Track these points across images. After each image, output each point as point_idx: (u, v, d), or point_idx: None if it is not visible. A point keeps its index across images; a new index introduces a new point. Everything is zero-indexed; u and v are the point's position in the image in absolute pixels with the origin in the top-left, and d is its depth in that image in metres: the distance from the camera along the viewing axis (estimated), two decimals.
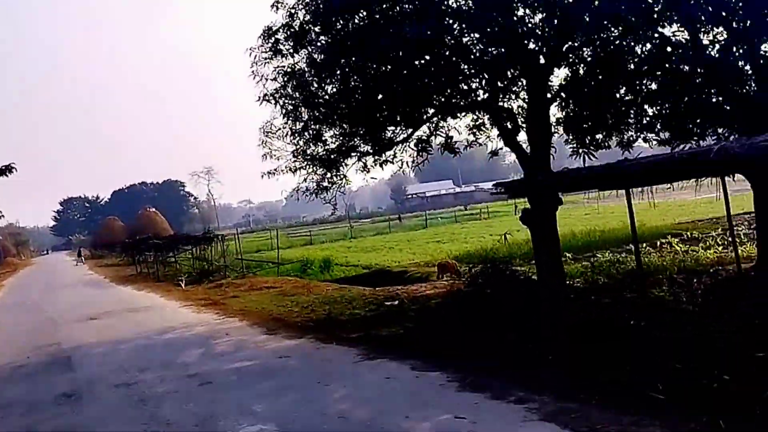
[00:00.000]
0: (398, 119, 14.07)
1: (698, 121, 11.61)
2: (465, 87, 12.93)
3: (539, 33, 11.32)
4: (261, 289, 19.39)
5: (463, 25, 11.57)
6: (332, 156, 15.88)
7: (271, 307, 14.89)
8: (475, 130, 14.77)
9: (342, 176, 16.18)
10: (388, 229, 55.32)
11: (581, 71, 12.08)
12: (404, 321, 10.88)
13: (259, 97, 15.01)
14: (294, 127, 15.28)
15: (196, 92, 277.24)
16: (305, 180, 16.35)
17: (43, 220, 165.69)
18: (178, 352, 10.49)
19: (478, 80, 12.93)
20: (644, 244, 18.06)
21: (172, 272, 29.62)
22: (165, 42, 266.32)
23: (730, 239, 13.29)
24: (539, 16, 11.31)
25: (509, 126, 13.37)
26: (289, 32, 13.69)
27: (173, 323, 13.67)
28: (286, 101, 15.27)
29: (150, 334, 12.53)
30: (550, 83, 12.51)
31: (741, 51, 10.79)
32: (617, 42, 11.23)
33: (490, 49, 11.76)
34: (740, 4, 10.42)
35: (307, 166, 16.23)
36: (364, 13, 12.42)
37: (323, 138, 15.58)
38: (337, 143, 15.45)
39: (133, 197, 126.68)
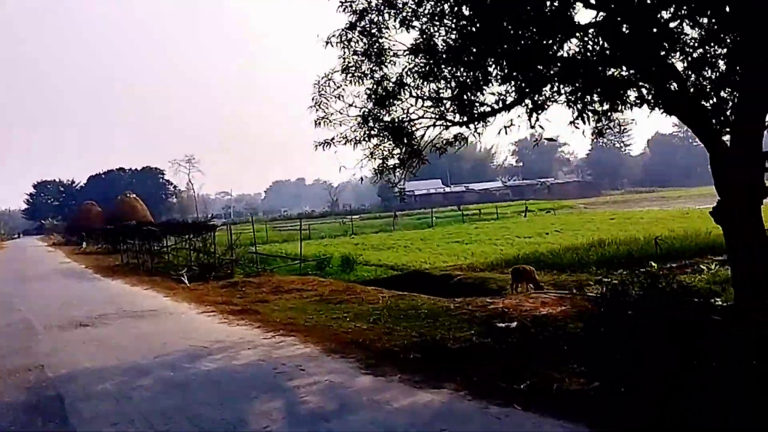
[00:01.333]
0: (515, 73, 10.50)
1: None
2: None
3: None
4: (290, 292, 15.71)
5: None
6: (407, 124, 12.28)
7: (326, 320, 11.22)
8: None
9: (417, 151, 12.60)
10: (391, 226, 51.63)
11: None
12: (561, 360, 7.32)
13: (327, 41, 11.62)
14: (367, 74, 11.79)
15: (177, 79, 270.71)
16: (371, 154, 12.80)
17: (15, 203, 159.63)
18: (237, 403, 6.69)
19: None
20: None
21: (163, 264, 25.71)
22: (143, 25, 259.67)
23: None
24: None
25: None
26: None
27: (201, 340, 9.87)
28: (358, 45, 11.74)
29: (175, 360, 8.70)
30: None
31: None
32: None
33: None
34: None
35: (375, 137, 12.63)
36: None
37: (398, 97, 12.00)
38: (420, 105, 11.90)
39: (110, 183, 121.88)
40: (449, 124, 11.99)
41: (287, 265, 25.06)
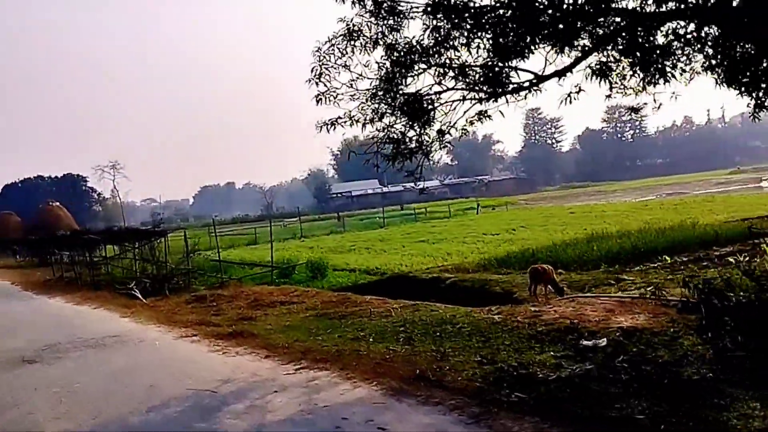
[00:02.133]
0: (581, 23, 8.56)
1: None
2: None
3: None
4: (274, 306, 13.37)
5: None
6: (427, 99, 10.21)
7: (343, 341, 8.98)
8: None
9: (441, 132, 10.52)
10: (341, 228, 49.25)
11: None
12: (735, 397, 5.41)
13: None
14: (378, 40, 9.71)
15: (99, 81, 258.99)
16: (385, 132, 10.63)
17: None
18: None
19: None
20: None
21: (104, 277, 22.71)
22: (58, 18, 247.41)
23: None
24: None
25: None
26: None
27: (201, 380, 7.44)
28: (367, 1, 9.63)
29: (179, 416, 6.13)
30: None
31: None
32: None
33: None
34: None
35: (388, 116, 10.49)
36: None
37: (416, 67, 9.92)
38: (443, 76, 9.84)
39: (27, 192, 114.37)
40: (483, 96, 9.93)
41: (248, 273, 22.49)
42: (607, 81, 10.01)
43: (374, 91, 10.05)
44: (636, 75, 9.70)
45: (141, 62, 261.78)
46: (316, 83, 10.07)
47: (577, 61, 9.10)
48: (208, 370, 7.97)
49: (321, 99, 10.06)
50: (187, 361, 8.59)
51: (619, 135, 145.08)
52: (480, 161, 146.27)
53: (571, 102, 9.55)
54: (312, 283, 20.15)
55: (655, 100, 10.91)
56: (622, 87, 10.45)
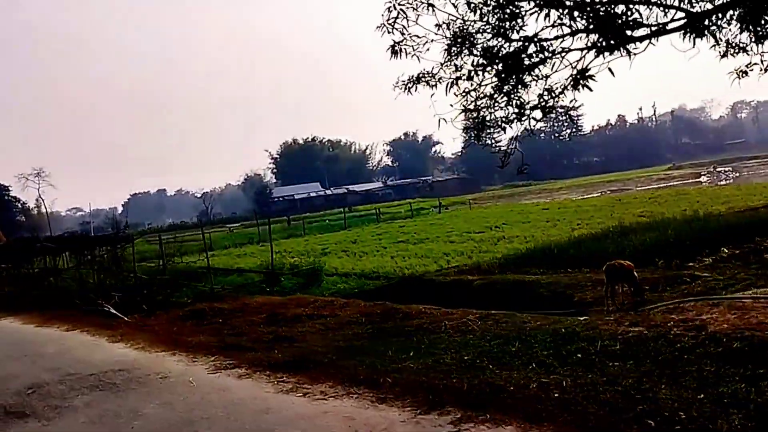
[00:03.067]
0: None
1: None
2: None
3: None
4: (301, 321, 10.99)
5: None
6: (530, 50, 8.06)
7: (463, 372, 6.70)
8: None
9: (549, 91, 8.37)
10: (303, 231, 46.33)
11: None
12: None
13: None
14: None
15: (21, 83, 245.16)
16: (475, 93, 8.46)
17: None
18: None
19: None
20: None
21: (52, 292, 19.48)
22: None
23: None
24: None
25: None
26: None
27: None
28: None
29: None
30: None
31: None
32: None
33: None
34: None
35: (479, 72, 8.30)
36: None
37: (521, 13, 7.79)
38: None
39: None
40: (599, 44, 7.79)
41: (225, 281, 19.76)
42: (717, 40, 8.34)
43: (460, 38, 7.87)
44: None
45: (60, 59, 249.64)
46: (389, 30, 7.80)
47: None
48: (313, 428, 5.56)
49: (398, 50, 7.81)
50: (261, 411, 6.07)
51: (556, 134, 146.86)
52: (420, 162, 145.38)
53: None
54: (308, 290, 17.73)
55: (762, 61, 9.22)
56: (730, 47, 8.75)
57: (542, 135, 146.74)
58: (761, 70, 9.21)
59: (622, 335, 7.24)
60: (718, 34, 8.69)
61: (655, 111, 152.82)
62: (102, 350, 9.98)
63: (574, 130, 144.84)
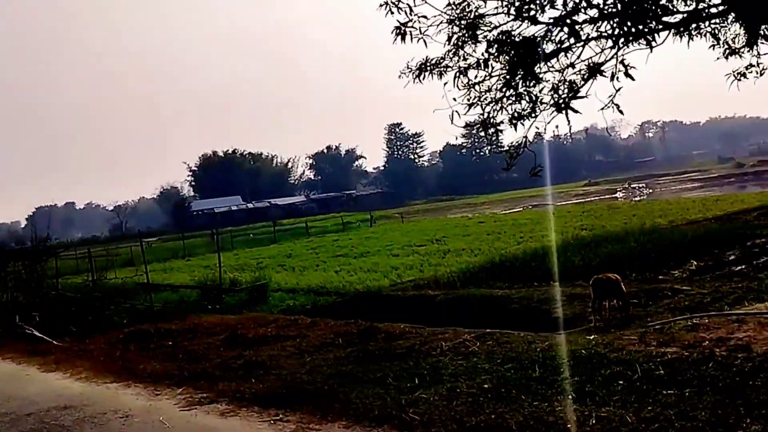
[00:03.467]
0: None
1: None
2: None
3: None
4: (267, 343, 9.81)
5: None
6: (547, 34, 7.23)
7: (487, 404, 5.79)
8: None
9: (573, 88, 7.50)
10: (229, 244, 44.31)
11: None
12: None
13: None
14: None
15: None
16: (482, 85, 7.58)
17: None
18: None
19: None
20: None
21: None
22: None
23: None
24: None
25: None
26: None
27: None
28: None
29: None
30: None
31: None
32: None
33: None
34: None
35: (493, 62, 7.41)
36: None
37: None
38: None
39: None
40: (619, 33, 6.98)
41: (160, 298, 18.11)
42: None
43: (471, 22, 6.99)
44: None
45: None
46: (393, 7, 6.80)
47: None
48: None
49: (402, 33, 6.85)
50: None
51: (477, 150, 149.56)
52: (343, 176, 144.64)
53: None
54: (255, 308, 16.42)
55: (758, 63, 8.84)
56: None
57: (464, 151, 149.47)
58: (758, 73, 8.86)
59: (660, 358, 6.53)
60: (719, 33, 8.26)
61: (570, 128, 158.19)
62: (36, 382, 8.49)
63: (493, 146, 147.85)
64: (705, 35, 8.11)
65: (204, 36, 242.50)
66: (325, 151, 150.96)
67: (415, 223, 50.87)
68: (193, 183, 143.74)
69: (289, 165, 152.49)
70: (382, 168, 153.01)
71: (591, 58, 7.06)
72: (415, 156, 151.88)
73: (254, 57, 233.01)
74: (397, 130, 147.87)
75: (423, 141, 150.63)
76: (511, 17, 6.79)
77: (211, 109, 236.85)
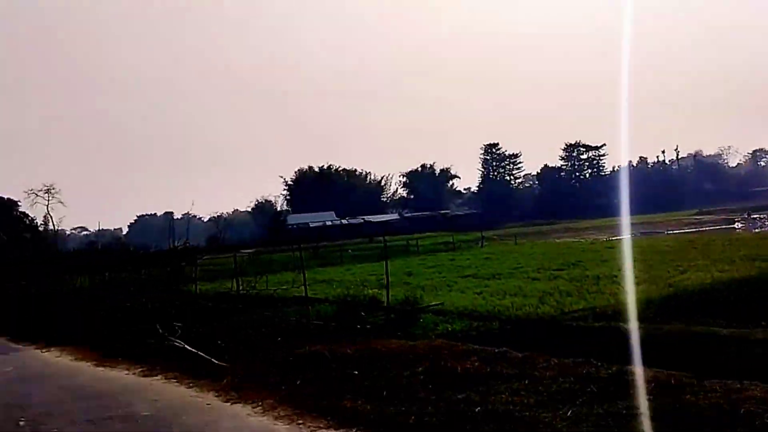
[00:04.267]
0: None
1: None
2: None
3: None
4: (483, 383, 7.87)
5: None
6: None
7: None
8: None
9: None
10: (337, 259, 43.10)
11: None
12: None
13: None
14: None
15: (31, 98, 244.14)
16: None
17: None
18: None
19: None
20: None
21: (101, 317, 16.34)
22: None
23: None
24: None
25: None
26: None
27: None
28: None
29: None
30: None
31: None
32: None
33: None
34: None
35: None
36: None
37: None
38: None
39: None
40: None
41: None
42: None
43: None
44: None
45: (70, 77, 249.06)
46: None
47: None
48: None
49: None
50: None
51: (577, 173, 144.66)
52: (436, 195, 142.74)
53: None
54: (408, 330, 14.54)
55: None
56: None
57: (563, 174, 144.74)
58: None
59: None
60: None
61: (677, 154, 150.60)
62: (226, 417, 6.89)
63: (594, 169, 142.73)
64: None
65: (307, 52, 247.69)
66: (420, 169, 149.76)
67: (530, 245, 48.23)
68: (288, 197, 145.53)
69: (383, 182, 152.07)
70: (477, 188, 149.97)
71: None
72: (511, 177, 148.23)
73: (357, 75, 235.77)
74: (494, 150, 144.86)
75: (520, 162, 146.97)
76: None
77: (307, 124, 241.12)
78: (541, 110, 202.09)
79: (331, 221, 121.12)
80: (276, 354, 10.28)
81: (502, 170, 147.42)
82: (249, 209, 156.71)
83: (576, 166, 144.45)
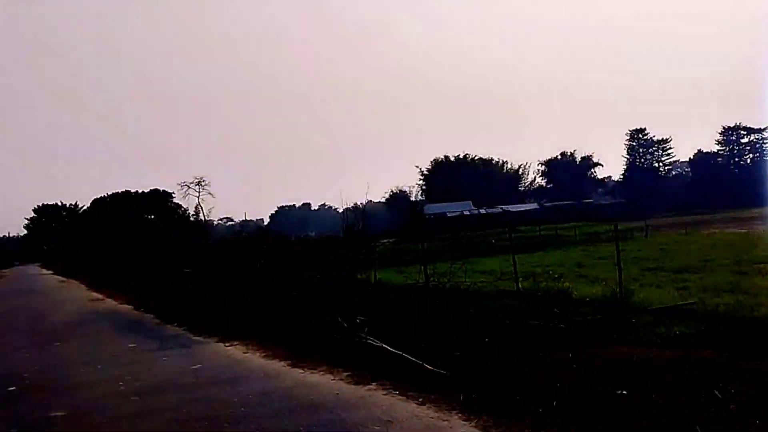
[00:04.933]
0: None
1: None
2: None
3: None
4: None
5: None
6: None
7: None
8: None
9: None
10: (490, 250, 41.03)
11: None
12: None
13: None
14: None
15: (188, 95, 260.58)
16: None
17: (14, 229, 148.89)
18: None
19: None
20: None
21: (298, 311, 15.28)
22: (141, 31, 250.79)
23: None
24: None
25: None
26: None
27: None
28: None
29: None
30: None
31: None
32: None
33: None
34: None
35: None
36: None
37: None
38: None
39: (115, 206, 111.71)
40: None
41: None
42: None
43: None
44: None
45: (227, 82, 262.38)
46: None
47: None
48: None
49: None
50: None
51: (736, 158, 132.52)
52: (577, 184, 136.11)
53: None
54: (615, 335, 12.37)
55: None
56: None
57: (719, 159, 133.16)
58: None
59: None
60: None
61: None
62: None
63: (758, 154, 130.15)
64: None
65: (453, 44, 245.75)
66: (559, 157, 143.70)
67: (703, 235, 43.68)
68: (424, 187, 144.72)
69: (520, 171, 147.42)
70: (621, 177, 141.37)
71: None
72: (660, 164, 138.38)
73: (491, 56, 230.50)
74: (641, 135, 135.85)
75: (670, 148, 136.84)
76: None
77: (442, 113, 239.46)
78: (691, 91, 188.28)
79: (469, 210, 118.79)
80: (515, 365, 8.50)
81: (649, 157, 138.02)
82: (383, 200, 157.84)
83: (735, 151, 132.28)
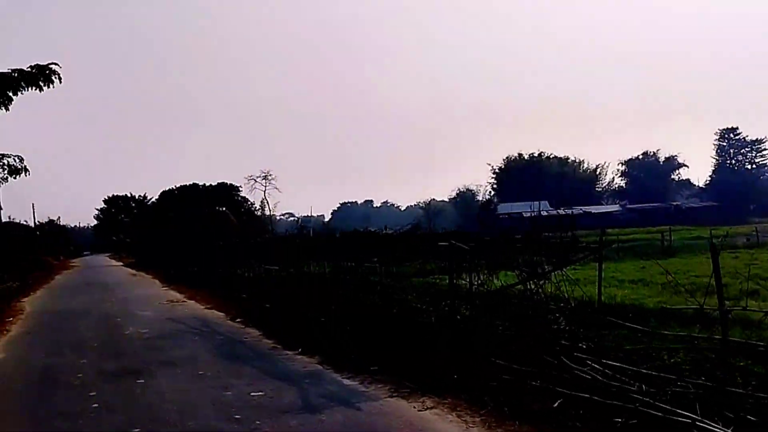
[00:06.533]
0: None
1: None
2: None
3: None
4: None
5: None
6: None
7: None
8: None
9: None
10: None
11: None
12: None
13: None
14: None
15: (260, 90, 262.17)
16: None
17: (85, 219, 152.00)
18: None
19: None
20: None
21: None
22: (207, 33, 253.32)
23: None
24: None
25: None
26: None
27: None
28: None
29: None
30: None
31: None
32: None
33: None
34: None
35: None
36: None
37: None
38: None
39: (184, 198, 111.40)
40: None
41: None
42: None
43: None
44: None
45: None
46: None
47: None
48: None
49: None
50: None
51: None
52: (660, 185, 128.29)
53: None
54: None
55: None
56: None
57: None
58: None
59: None
60: None
61: None
62: None
63: None
64: None
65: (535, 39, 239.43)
66: (641, 157, 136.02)
67: None
68: (495, 185, 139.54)
69: (598, 171, 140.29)
70: (709, 178, 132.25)
71: None
72: (753, 166, 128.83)
73: (566, 58, 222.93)
74: (732, 135, 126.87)
75: (764, 150, 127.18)
76: None
77: (510, 111, 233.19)
78: None
79: (547, 211, 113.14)
80: None
81: (741, 158, 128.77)
82: (447, 198, 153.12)
83: None
